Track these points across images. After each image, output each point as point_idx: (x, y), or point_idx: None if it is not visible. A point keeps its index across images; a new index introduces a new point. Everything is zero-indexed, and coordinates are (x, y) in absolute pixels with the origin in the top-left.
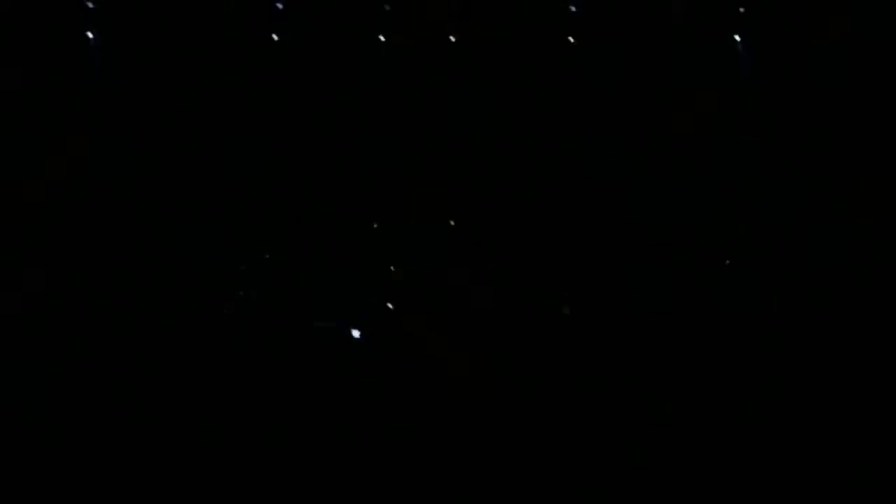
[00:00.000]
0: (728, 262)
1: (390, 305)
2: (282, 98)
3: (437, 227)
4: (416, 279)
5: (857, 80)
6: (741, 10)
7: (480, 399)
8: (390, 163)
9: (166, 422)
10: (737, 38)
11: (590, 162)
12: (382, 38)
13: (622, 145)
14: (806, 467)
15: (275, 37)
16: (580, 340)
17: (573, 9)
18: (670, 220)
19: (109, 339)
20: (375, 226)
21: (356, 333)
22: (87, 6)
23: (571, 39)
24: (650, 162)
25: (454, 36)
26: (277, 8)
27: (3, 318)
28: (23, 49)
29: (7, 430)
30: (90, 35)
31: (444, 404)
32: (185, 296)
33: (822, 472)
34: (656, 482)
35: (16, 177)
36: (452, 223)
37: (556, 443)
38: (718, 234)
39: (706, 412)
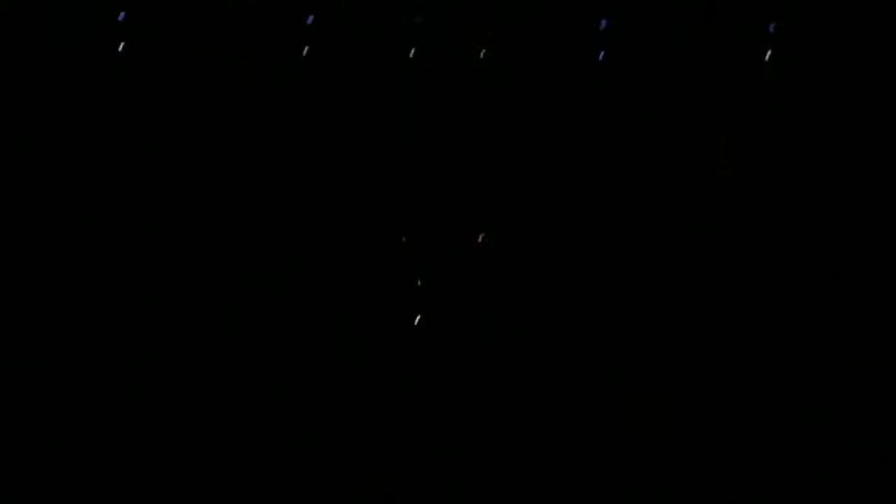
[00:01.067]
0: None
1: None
2: (309, 111)
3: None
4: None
5: None
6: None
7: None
8: (417, 175)
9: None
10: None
11: (613, 177)
12: (411, 55)
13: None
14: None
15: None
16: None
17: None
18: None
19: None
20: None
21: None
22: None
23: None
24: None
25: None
26: (307, 22)
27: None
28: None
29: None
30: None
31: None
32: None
33: None
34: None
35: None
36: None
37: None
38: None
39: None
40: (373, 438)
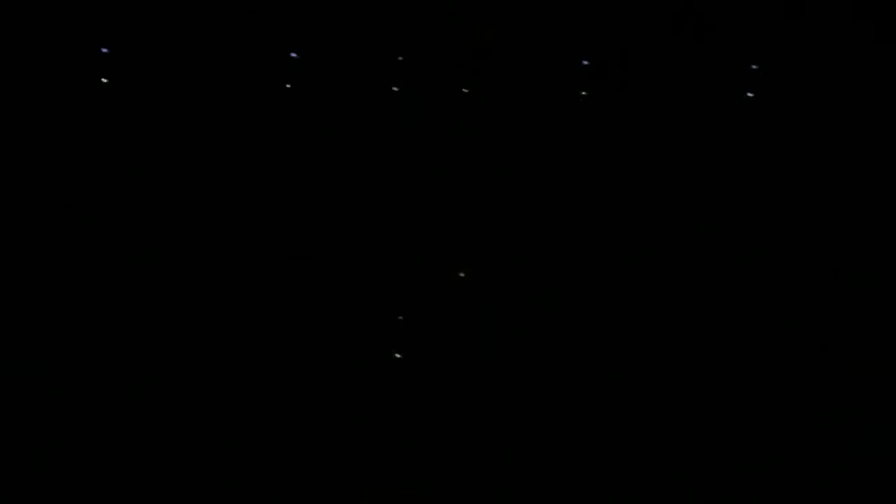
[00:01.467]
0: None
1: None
2: (293, 145)
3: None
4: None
5: None
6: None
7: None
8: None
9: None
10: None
11: (601, 203)
12: (395, 89)
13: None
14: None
15: (288, 86)
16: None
17: (585, 62)
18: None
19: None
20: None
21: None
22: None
23: (584, 92)
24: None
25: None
26: (292, 57)
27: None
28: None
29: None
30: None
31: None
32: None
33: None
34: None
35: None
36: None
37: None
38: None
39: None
40: (372, 451)
